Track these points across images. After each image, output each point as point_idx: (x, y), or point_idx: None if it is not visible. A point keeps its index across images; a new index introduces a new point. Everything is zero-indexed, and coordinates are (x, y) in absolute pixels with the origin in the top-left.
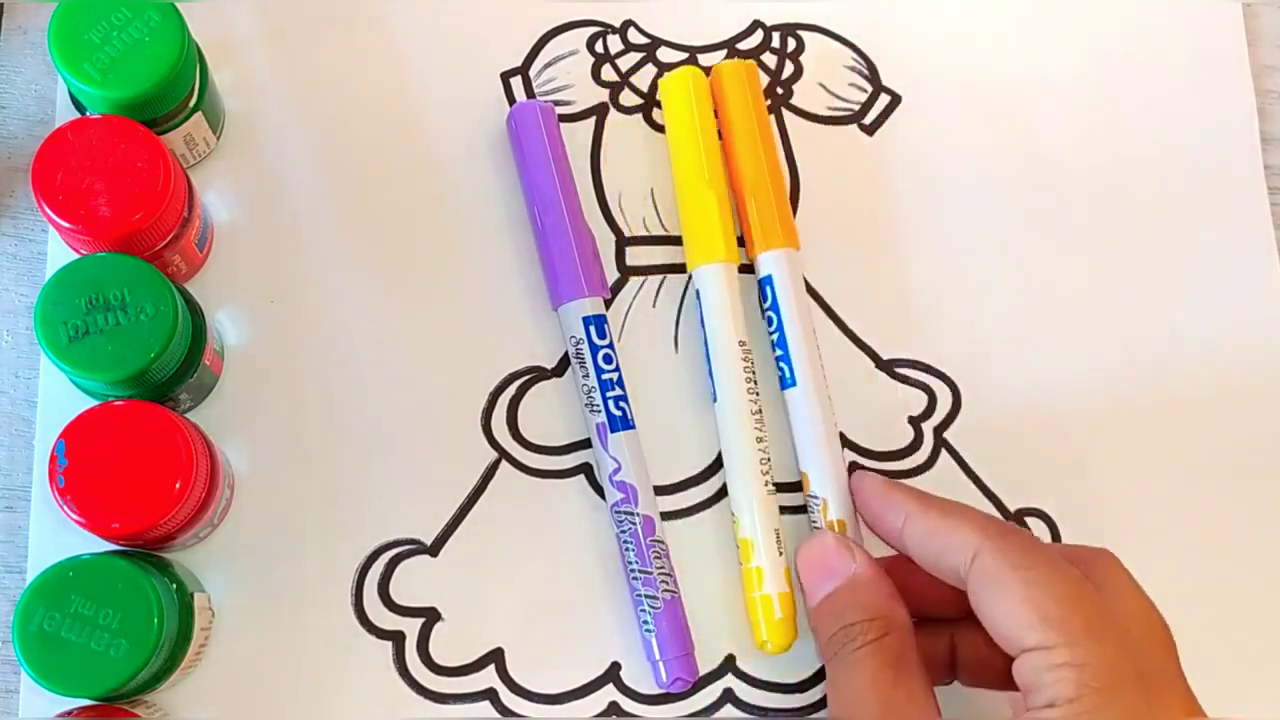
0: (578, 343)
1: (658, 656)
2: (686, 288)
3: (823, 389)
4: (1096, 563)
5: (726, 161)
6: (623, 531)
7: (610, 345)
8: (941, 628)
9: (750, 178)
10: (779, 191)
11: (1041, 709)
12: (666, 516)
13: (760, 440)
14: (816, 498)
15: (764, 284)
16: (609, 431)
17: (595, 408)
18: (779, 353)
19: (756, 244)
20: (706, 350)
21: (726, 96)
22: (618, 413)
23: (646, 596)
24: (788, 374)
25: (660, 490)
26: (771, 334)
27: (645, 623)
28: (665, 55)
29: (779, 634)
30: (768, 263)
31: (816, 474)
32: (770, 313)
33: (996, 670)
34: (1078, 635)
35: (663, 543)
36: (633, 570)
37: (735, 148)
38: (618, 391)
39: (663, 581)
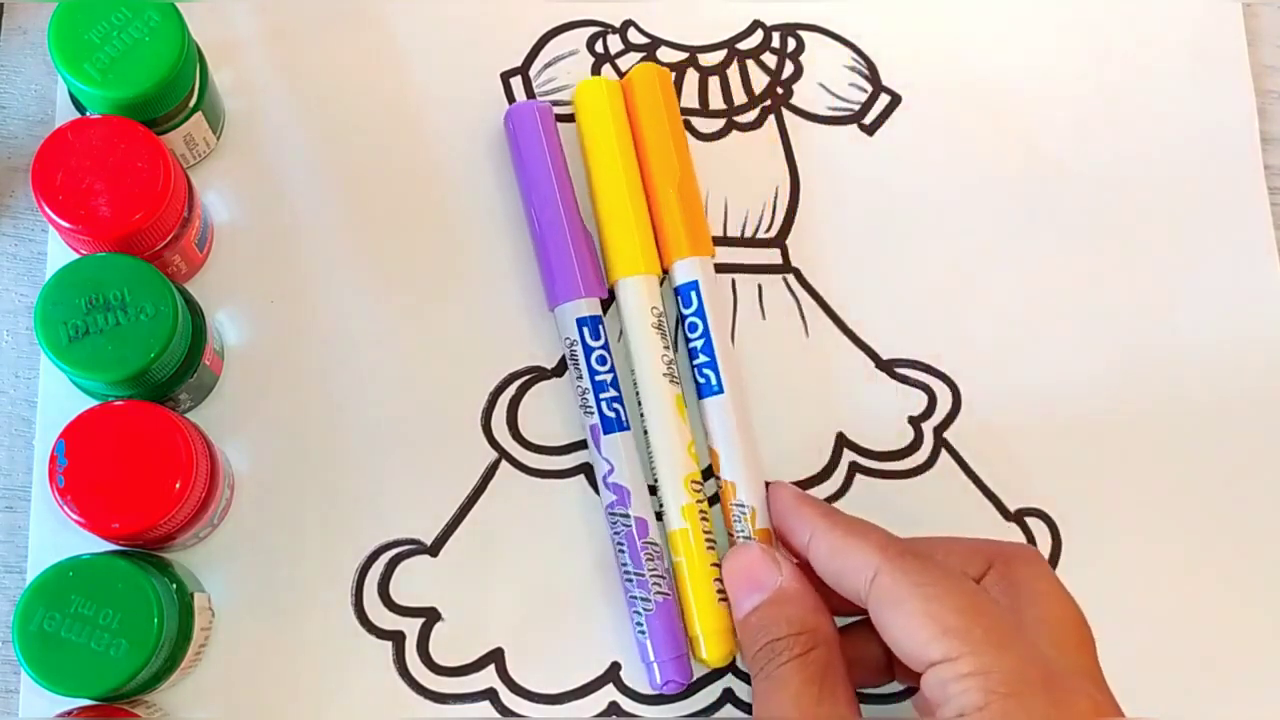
0: (572, 344)
1: (652, 658)
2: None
3: (743, 396)
4: (1015, 560)
5: (641, 169)
6: (616, 533)
7: (605, 346)
8: (875, 629)
9: (662, 185)
10: (692, 198)
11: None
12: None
13: (693, 453)
14: (744, 506)
15: (685, 291)
16: (602, 433)
17: (589, 409)
18: (702, 360)
19: (673, 252)
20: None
21: (637, 103)
22: (611, 414)
23: (639, 598)
24: (713, 380)
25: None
26: (694, 341)
27: (639, 624)
28: (665, 55)
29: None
30: (688, 270)
31: (743, 483)
32: (695, 318)
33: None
34: (980, 644)
35: (656, 544)
36: (626, 572)
37: (647, 155)
38: (611, 393)
39: (655, 583)
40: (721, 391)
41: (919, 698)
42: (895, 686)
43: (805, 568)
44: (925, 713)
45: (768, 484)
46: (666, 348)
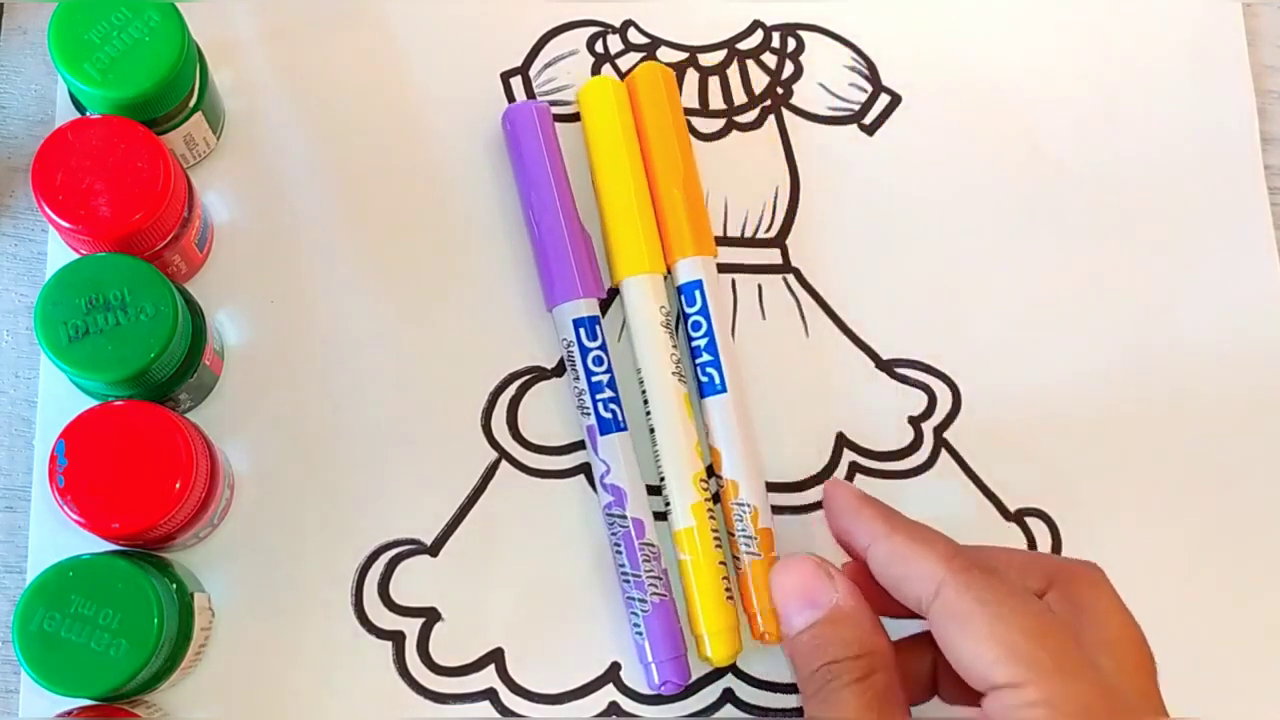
0: (569, 345)
1: (649, 659)
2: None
3: (745, 395)
4: (1078, 579)
5: (645, 168)
6: (614, 534)
7: (602, 347)
8: (924, 645)
9: (666, 184)
10: (696, 197)
11: None
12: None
13: (700, 452)
14: (746, 505)
15: (689, 290)
16: (599, 434)
17: (586, 410)
18: (706, 359)
19: (677, 251)
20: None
21: (641, 103)
22: (608, 415)
23: (636, 599)
24: (716, 379)
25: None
26: (697, 340)
27: (636, 626)
28: (665, 55)
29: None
30: (692, 269)
31: (745, 482)
32: (699, 317)
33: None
34: (1048, 671)
35: (654, 545)
36: (623, 573)
37: (651, 155)
38: (608, 394)
39: (652, 585)
40: (725, 390)
41: (977, 716)
42: None
43: (860, 571)
44: None
45: (826, 480)
46: (675, 346)
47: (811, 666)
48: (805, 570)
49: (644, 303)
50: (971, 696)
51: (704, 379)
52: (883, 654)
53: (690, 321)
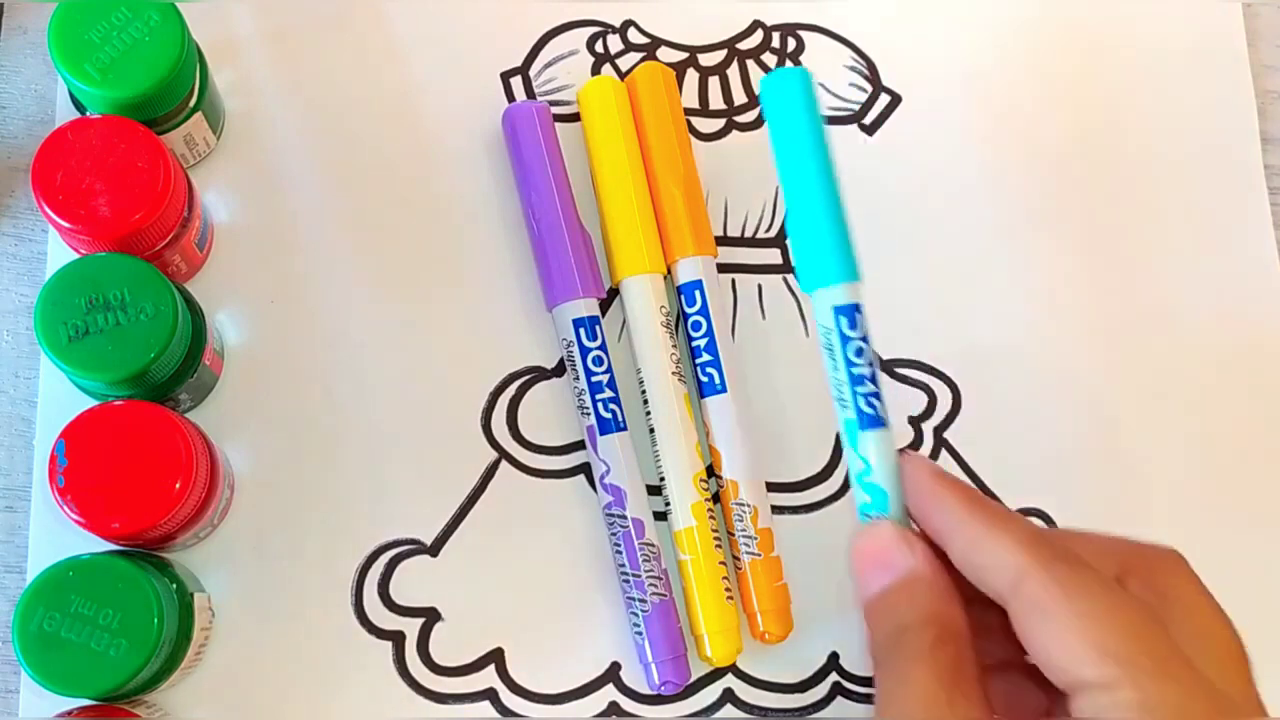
0: (568, 345)
1: (649, 659)
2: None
3: (745, 395)
4: (1160, 567)
5: (645, 168)
6: (613, 534)
7: (602, 347)
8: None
9: (666, 184)
10: (696, 197)
11: None
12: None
13: (700, 452)
14: (746, 505)
15: (689, 290)
16: (599, 434)
17: (585, 410)
18: (706, 359)
19: (676, 250)
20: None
21: (641, 103)
22: (608, 415)
23: (636, 599)
24: (716, 379)
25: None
26: (697, 340)
27: (635, 626)
28: (665, 55)
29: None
30: (692, 269)
31: (745, 482)
32: (699, 317)
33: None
34: (1143, 671)
35: (654, 545)
36: (623, 573)
37: (651, 154)
38: (608, 394)
39: (652, 585)
40: (724, 390)
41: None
42: None
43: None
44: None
45: (902, 453)
46: (675, 346)
47: (882, 630)
48: (883, 533)
49: (644, 303)
50: (1049, 694)
51: (704, 379)
52: (957, 625)
53: (690, 321)
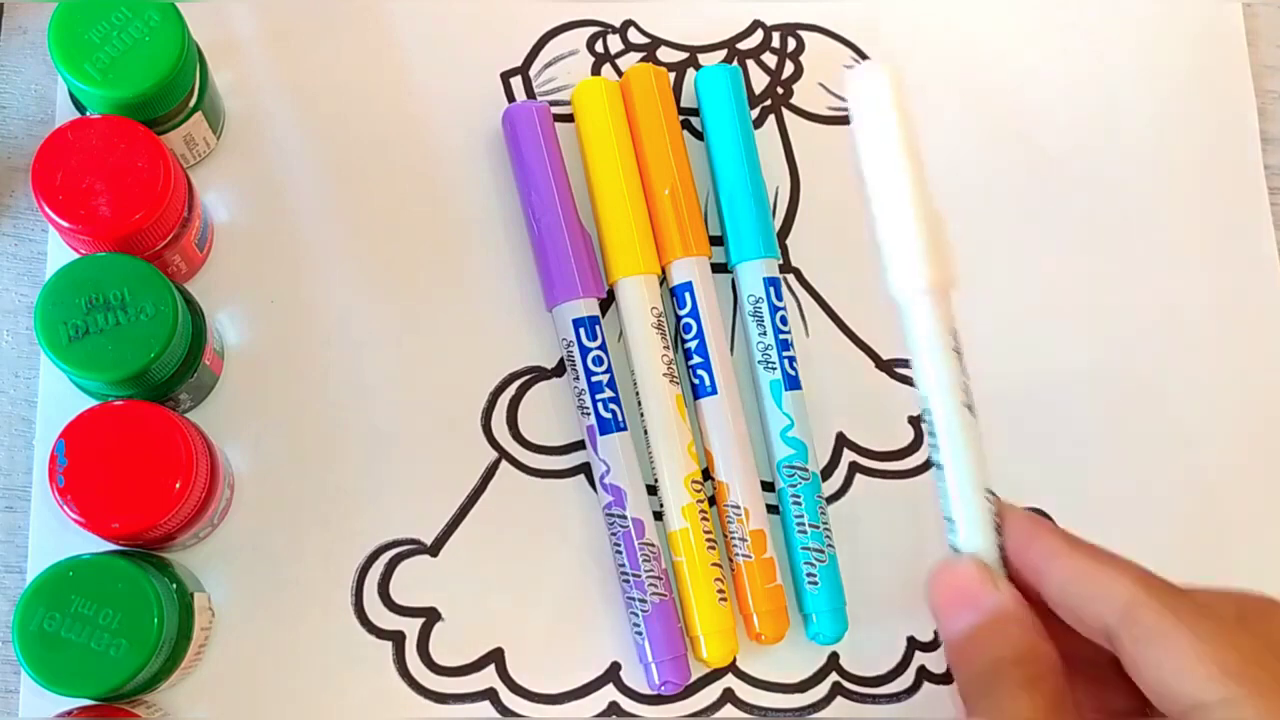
0: (568, 345)
1: (649, 659)
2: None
3: (737, 396)
4: (1273, 616)
5: (639, 170)
6: (613, 534)
7: (602, 347)
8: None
9: (658, 186)
10: (690, 198)
11: None
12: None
13: (694, 454)
14: (738, 508)
15: (680, 292)
16: (599, 434)
17: (585, 410)
18: (697, 360)
19: (668, 252)
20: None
21: (634, 104)
22: (608, 415)
23: (636, 599)
24: (707, 382)
25: None
26: (688, 342)
27: (635, 625)
28: (665, 55)
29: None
30: (683, 270)
31: (738, 484)
32: (690, 319)
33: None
34: (1266, 687)
35: (654, 545)
36: (623, 573)
37: (644, 156)
38: (608, 394)
39: (652, 584)
40: (715, 392)
41: None
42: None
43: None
44: None
45: (1001, 511)
46: (666, 348)
47: (975, 667)
48: (965, 569)
49: (636, 304)
50: None
51: (695, 381)
52: (1052, 660)
53: (682, 323)
